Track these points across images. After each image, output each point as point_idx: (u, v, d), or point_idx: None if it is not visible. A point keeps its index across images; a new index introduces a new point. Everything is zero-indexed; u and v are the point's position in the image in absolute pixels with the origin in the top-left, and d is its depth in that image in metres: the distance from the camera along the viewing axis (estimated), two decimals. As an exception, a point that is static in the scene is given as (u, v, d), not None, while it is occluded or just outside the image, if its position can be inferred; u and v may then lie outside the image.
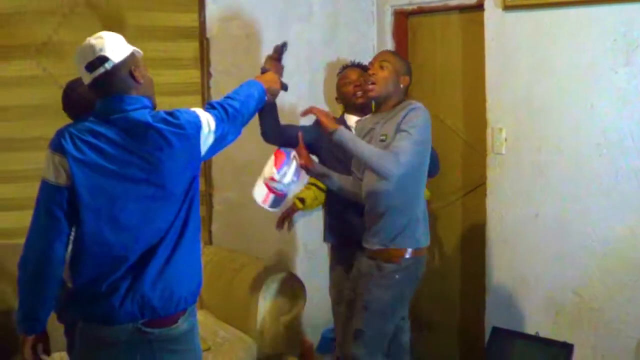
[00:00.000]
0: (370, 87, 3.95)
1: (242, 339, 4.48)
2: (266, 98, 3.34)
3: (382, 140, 3.85)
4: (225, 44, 5.27)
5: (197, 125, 2.86)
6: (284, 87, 3.62)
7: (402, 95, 4.01)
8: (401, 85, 3.96)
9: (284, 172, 4.09)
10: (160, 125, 2.79)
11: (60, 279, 2.88)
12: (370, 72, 3.96)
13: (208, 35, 5.21)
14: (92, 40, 2.85)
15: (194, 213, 2.94)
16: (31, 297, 2.87)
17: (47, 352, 3.01)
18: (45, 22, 4.67)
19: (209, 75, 5.22)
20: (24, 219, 4.48)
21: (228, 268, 4.84)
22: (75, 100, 3.45)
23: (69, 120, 3.39)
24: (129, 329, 2.83)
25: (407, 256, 3.90)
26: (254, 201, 4.14)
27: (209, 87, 5.21)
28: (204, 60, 5.22)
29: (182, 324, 2.91)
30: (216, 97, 5.10)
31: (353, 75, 4.53)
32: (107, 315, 2.82)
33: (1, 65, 4.57)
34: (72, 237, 2.88)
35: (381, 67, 3.93)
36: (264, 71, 3.63)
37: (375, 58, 4.07)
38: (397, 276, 3.92)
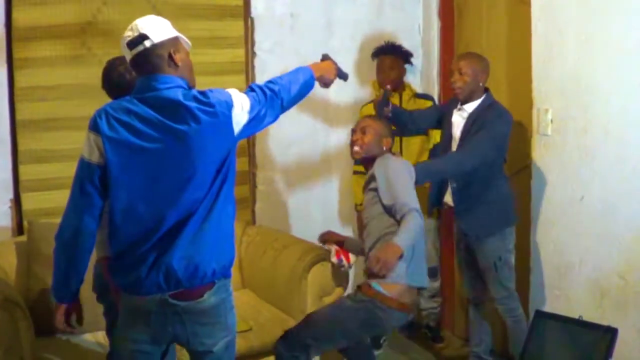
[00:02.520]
0: (355, 149, 4.11)
1: (284, 320, 4.49)
2: (314, 84, 3.39)
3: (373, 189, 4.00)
4: (269, 23, 5.28)
5: (228, 104, 2.94)
6: (344, 77, 3.65)
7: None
8: (384, 147, 4.08)
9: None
10: (190, 103, 2.87)
11: (90, 251, 3.01)
12: (354, 137, 4.13)
13: (253, 14, 5.22)
14: (138, 20, 2.95)
15: (226, 189, 3.00)
16: (63, 267, 3.01)
17: (80, 321, 3.20)
18: (89, 1, 4.68)
19: (254, 54, 5.22)
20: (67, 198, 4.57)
21: (271, 248, 4.85)
22: (115, 79, 3.50)
23: (110, 99, 3.45)
24: (156, 300, 2.95)
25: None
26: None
27: (253, 67, 5.22)
28: (248, 39, 5.22)
29: (209, 298, 3.00)
30: (260, 76, 5.14)
31: (386, 60, 4.65)
32: (135, 285, 2.95)
33: (46, 45, 4.59)
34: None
35: (363, 132, 4.09)
36: (323, 59, 3.63)
37: (358, 124, 4.22)
38: (348, 301, 3.98)
